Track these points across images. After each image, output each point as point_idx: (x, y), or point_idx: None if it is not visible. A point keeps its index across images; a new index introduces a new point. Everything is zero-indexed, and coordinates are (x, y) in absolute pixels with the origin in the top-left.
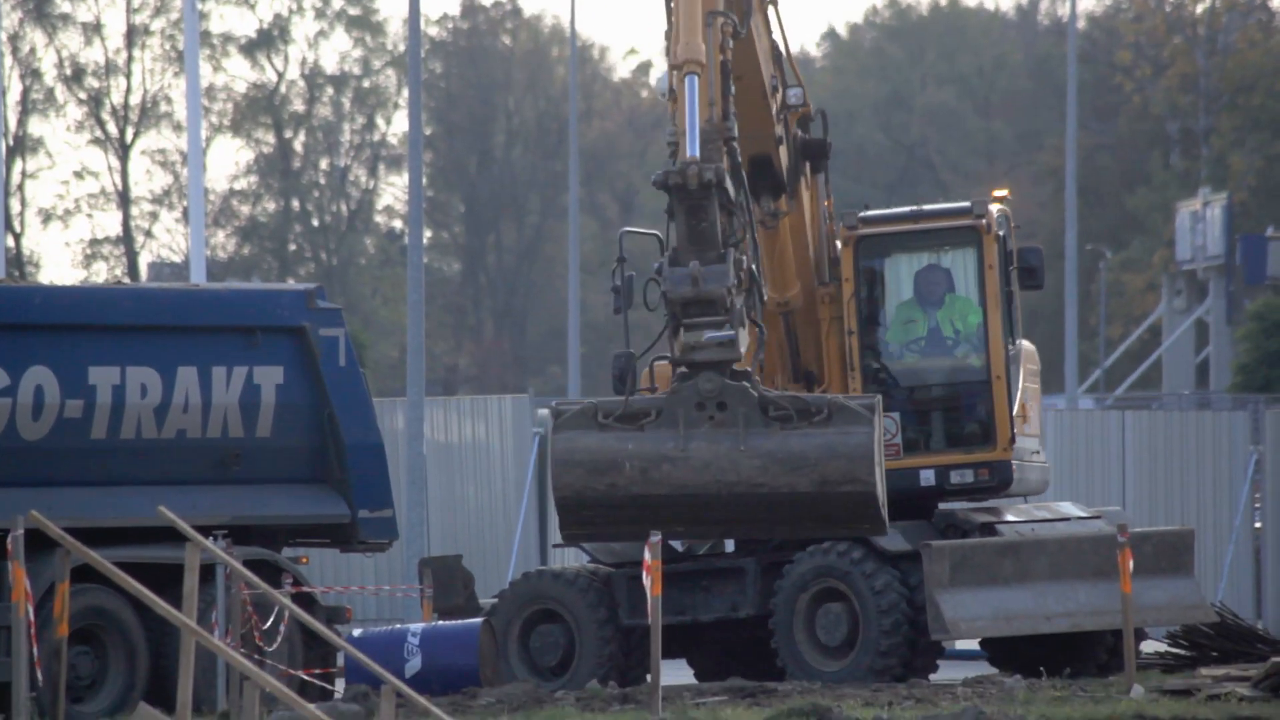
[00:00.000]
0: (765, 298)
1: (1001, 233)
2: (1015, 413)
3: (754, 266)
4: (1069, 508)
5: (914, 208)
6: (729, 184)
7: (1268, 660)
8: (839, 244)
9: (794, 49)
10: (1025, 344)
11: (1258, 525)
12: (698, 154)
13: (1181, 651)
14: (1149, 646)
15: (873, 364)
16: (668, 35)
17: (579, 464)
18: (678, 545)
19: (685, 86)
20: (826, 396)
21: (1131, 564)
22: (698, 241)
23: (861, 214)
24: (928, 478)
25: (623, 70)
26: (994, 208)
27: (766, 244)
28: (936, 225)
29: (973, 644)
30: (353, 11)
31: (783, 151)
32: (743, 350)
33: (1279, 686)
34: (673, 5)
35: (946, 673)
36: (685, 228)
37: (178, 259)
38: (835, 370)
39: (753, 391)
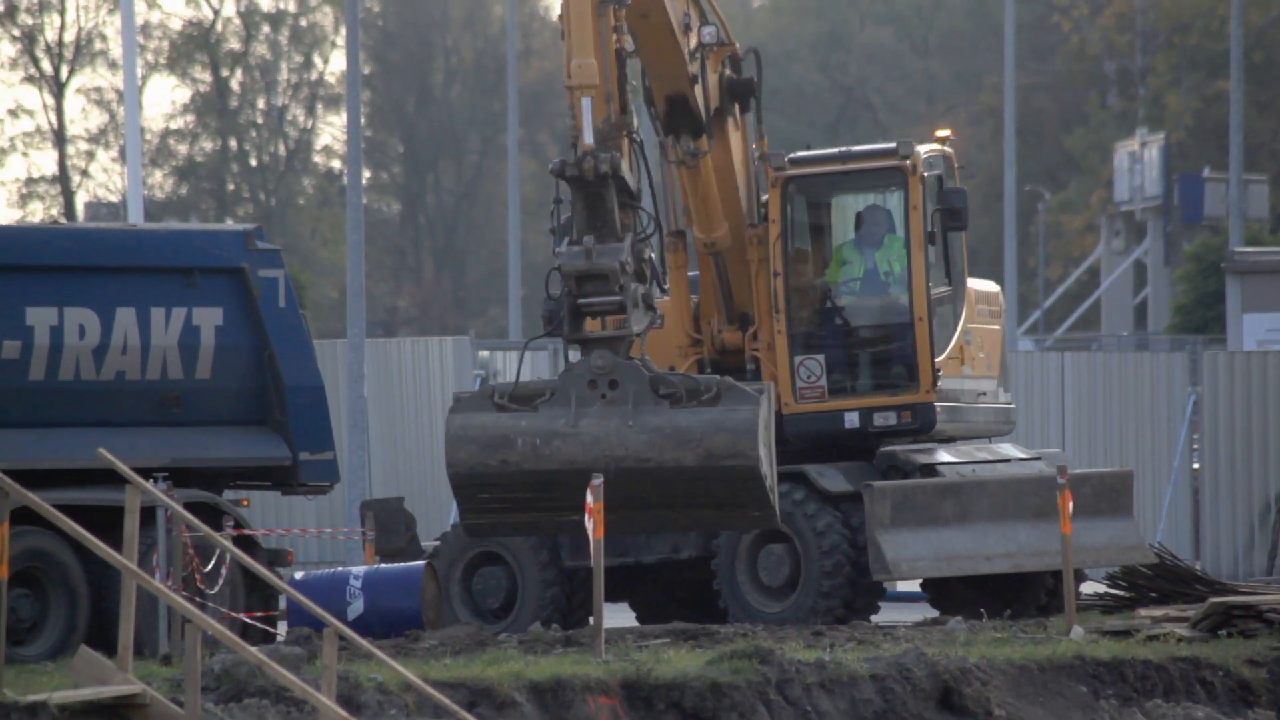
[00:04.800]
0: (663, 283)
1: (937, 173)
2: (950, 354)
3: (654, 256)
4: (1009, 449)
5: (842, 149)
6: (628, 176)
7: (1205, 601)
8: (767, 185)
9: None
10: (983, 284)
11: (1195, 466)
12: (592, 142)
13: (1120, 592)
14: (1088, 588)
15: (798, 306)
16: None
17: (472, 440)
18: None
19: (581, 107)
20: (717, 377)
21: (1071, 505)
22: (595, 226)
23: (790, 155)
24: (852, 420)
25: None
26: (928, 148)
27: (690, 183)
28: (864, 166)
29: (914, 585)
30: None
31: (698, 90)
32: (637, 330)
33: (1216, 627)
34: (563, 16)
35: (888, 614)
36: (584, 215)
37: (114, 199)
38: (764, 312)
39: (643, 370)
